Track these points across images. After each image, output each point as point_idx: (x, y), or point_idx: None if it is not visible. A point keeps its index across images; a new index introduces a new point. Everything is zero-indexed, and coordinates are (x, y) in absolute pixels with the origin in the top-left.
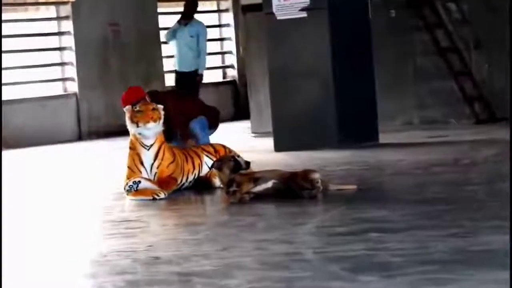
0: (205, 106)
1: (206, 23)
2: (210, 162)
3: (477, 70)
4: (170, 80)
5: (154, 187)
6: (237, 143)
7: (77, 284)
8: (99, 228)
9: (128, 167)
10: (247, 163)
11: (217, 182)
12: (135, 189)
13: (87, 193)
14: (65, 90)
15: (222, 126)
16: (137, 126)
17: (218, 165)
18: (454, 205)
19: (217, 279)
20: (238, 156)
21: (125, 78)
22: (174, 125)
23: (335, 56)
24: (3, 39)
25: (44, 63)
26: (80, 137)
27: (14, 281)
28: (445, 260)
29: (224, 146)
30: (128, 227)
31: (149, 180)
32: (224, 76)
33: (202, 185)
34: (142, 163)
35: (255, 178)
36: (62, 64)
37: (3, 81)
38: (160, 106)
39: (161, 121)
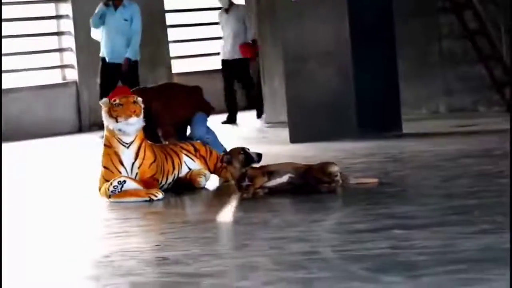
0: (201, 101)
1: (215, 5)
2: (189, 162)
3: (508, 54)
4: (177, 66)
5: (141, 187)
6: (250, 134)
7: (80, 287)
8: (101, 226)
9: (105, 167)
10: (259, 156)
11: (202, 181)
12: (120, 190)
13: (87, 189)
14: (64, 78)
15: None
16: (117, 121)
17: (227, 159)
18: (484, 200)
19: (229, 281)
20: (243, 149)
21: None
22: (160, 125)
23: (354, 39)
24: None
25: (41, 49)
26: (80, 129)
27: (13, 282)
28: (475, 259)
29: (204, 145)
30: (132, 225)
31: (133, 180)
32: None
33: (182, 187)
34: (121, 163)
35: (269, 172)
36: (60, 50)
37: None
38: (140, 99)
39: (142, 115)
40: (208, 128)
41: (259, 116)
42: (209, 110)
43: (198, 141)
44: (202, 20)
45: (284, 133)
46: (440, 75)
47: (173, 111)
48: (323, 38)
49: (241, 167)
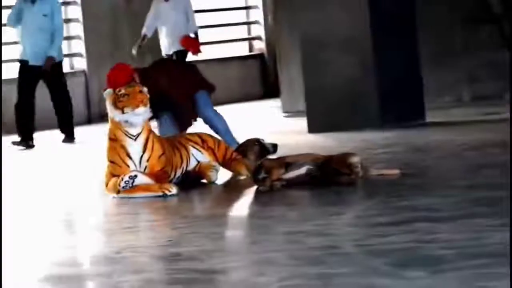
0: (202, 78)
1: None
2: (197, 154)
3: None
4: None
5: (152, 182)
6: (266, 124)
7: (90, 284)
8: (111, 221)
9: (111, 161)
10: (274, 146)
11: (213, 175)
12: (131, 185)
13: (97, 182)
14: (72, 67)
15: (249, 106)
16: (123, 113)
17: (241, 150)
18: None
19: (244, 277)
20: (258, 140)
21: (139, 52)
22: (176, 100)
23: (375, 25)
24: None
25: None
26: (89, 120)
27: (21, 278)
28: (501, 253)
29: (211, 136)
30: (143, 220)
31: (145, 174)
32: (251, 49)
33: (191, 181)
34: (128, 156)
35: (287, 163)
36: (68, 38)
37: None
38: (145, 89)
39: (149, 105)
40: (215, 111)
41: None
42: (212, 87)
43: (208, 122)
44: (202, 6)
45: (302, 123)
46: (463, 62)
47: (180, 88)
48: (343, 24)
49: (256, 159)
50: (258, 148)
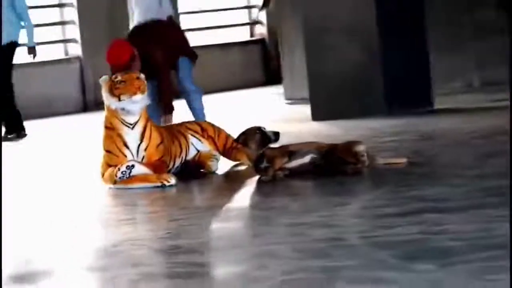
0: (187, 42)
1: None
2: (197, 143)
3: None
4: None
5: (150, 172)
6: (268, 111)
7: (87, 278)
8: (107, 213)
9: (107, 151)
10: (276, 134)
11: (214, 165)
12: (128, 175)
13: (92, 174)
14: (66, 53)
15: (250, 93)
16: (119, 100)
17: (242, 139)
18: None
19: (246, 270)
20: (259, 128)
21: None
22: (159, 65)
23: (381, 8)
24: None
25: (42, 22)
26: (85, 108)
27: (17, 272)
28: None
29: (211, 124)
30: (141, 211)
31: (142, 164)
32: (252, 34)
33: (191, 171)
34: (125, 145)
35: (290, 152)
36: (62, 23)
37: None
38: (143, 75)
39: (147, 92)
40: (196, 86)
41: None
42: (195, 55)
43: (185, 95)
44: None
45: (305, 110)
46: (473, 47)
47: (164, 49)
48: (347, 7)
49: (257, 148)
50: (259, 137)
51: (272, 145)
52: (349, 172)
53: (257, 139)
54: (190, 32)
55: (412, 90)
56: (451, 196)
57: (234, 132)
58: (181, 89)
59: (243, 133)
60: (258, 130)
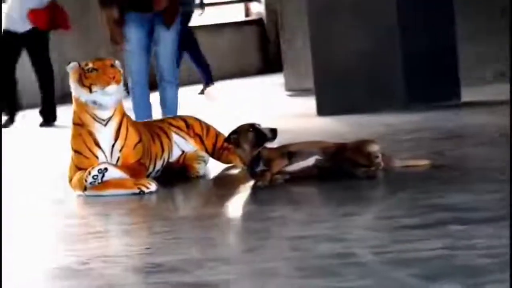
0: None
1: None
2: (181, 142)
3: None
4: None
5: (126, 176)
6: (267, 105)
7: None
8: (77, 225)
9: (76, 151)
10: (273, 131)
11: (200, 168)
12: (100, 180)
13: (59, 176)
14: None
15: (246, 82)
16: (91, 92)
17: (233, 138)
18: None
19: None
20: (253, 125)
21: None
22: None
23: None
24: None
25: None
26: None
27: None
28: None
29: (199, 121)
30: (116, 223)
31: (117, 167)
32: (247, 13)
33: (174, 175)
34: (97, 145)
35: (290, 153)
36: None
37: None
38: (118, 62)
39: (122, 83)
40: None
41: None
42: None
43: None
44: None
45: (310, 103)
46: (507, 31)
47: None
48: None
49: (252, 149)
50: (252, 135)
51: (269, 145)
52: (360, 177)
53: (251, 139)
54: None
55: (435, 80)
56: (480, 205)
57: (226, 130)
58: (158, 76)
59: (234, 132)
60: (252, 127)
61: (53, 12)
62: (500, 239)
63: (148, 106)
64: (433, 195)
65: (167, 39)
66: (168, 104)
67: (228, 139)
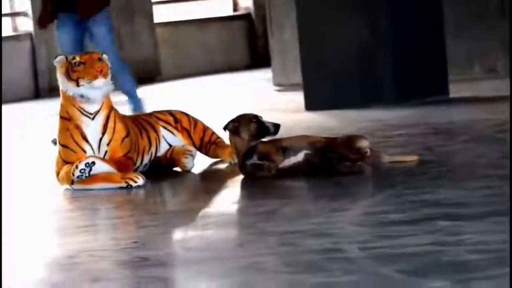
0: None
1: None
2: (169, 137)
3: None
4: (160, 14)
5: (114, 170)
6: (254, 99)
7: None
8: (63, 219)
9: (63, 145)
10: (276, 127)
11: (188, 162)
12: (88, 174)
13: (45, 171)
14: (15, 29)
15: (233, 77)
16: (78, 85)
17: (233, 126)
18: None
19: (227, 287)
20: (256, 117)
21: None
22: None
23: None
24: None
25: None
26: (37, 94)
27: None
28: None
29: (187, 115)
30: (103, 217)
31: (104, 160)
32: (235, 8)
33: (161, 169)
34: (85, 139)
35: (283, 148)
36: None
37: None
38: (105, 56)
39: (110, 76)
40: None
41: None
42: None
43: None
44: None
45: (298, 98)
46: (497, 26)
47: None
48: None
49: (250, 140)
50: (255, 127)
51: (266, 139)
52: (349, 172)
53: (253, 130)
54: (162, 5)
55: (425, 75)
56: (470, 200)
57: (213, 125)
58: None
59: (235, 120)
60: (255, 118)
61: None
62: (489, 235)
63: None
64: (422, 191)
65: (97, 35)
66: (127, 91)
67: (226, 127)
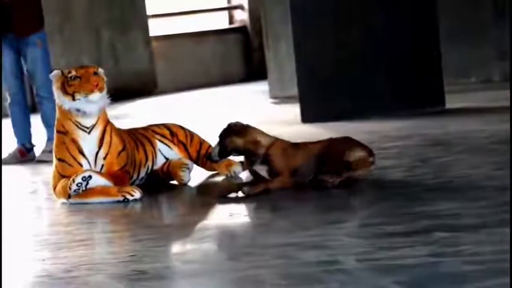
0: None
1: None
2: (166, 150)
3: None
4: (156, 28)
5: (110, 183)
6: (251, 112)
7: None
8: (60, 233)
9: (60, 159)
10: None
11: (185, 176)
12: (84, 188)
13: (40, 186)
14: None
15: (230, 90)
16: (74, 99)
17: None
18: None
19: None
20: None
21: (93, 25)
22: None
23: None
24: None
25: None
26: (32, 108)
27: None
28: None
29: (183, 128)
30: (100, 231)
31: (101, 174)
32: (231, 21)
33: (158, 183)
34: (81, 153)
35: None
36: None
37: None
38: (101, 70)
39: (106, 90)
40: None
41: None
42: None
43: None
44: None
45: (294, 110)
46: (493, 36)
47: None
48: None
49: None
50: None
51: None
52: (330, 187)
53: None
54: (158, 19)
55: (420, 86)
56: (465, 212)
57: (209, 138)
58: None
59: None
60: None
61: None
62: (485, 246)
63: (26, 126)
64: (418, 203)
65: (34, 57)
66: (46, 119)
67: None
